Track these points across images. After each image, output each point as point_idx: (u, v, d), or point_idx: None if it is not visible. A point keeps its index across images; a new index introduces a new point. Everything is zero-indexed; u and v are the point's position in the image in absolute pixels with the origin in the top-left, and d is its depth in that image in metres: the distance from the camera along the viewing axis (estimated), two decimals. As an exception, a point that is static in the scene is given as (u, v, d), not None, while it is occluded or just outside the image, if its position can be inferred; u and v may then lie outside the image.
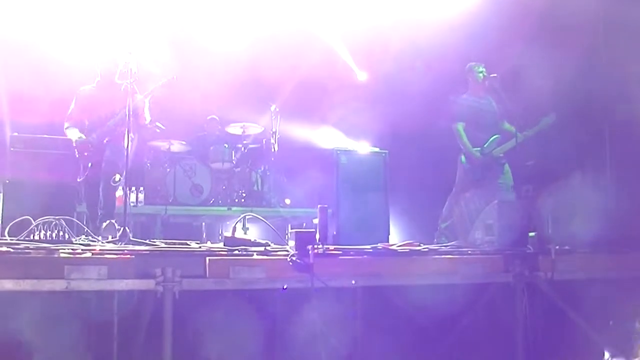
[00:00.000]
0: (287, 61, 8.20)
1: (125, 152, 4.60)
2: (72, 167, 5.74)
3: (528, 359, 4.09)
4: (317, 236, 3.78)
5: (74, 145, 5.66)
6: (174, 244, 4.24)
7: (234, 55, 7.83)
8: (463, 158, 6.25)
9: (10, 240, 3.79)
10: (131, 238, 4.16)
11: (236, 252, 3.83)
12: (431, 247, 4.60)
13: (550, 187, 5.04)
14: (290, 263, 3.58)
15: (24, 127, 6.50)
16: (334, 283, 3.64)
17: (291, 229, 6.15)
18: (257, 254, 3.76)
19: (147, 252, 3.75)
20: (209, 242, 5.27)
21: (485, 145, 6.14)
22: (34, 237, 3.83)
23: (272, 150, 8.03)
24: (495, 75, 6.04)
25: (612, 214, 4.68)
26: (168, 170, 7.83)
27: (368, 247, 4.17)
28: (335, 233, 5.00)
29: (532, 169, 5.63)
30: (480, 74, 6.18)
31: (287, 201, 8.33)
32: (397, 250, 4.20)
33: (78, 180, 5.69)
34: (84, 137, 5.68)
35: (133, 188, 7.17)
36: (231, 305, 3.53)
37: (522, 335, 4.09)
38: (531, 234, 4.51)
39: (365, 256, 3.95)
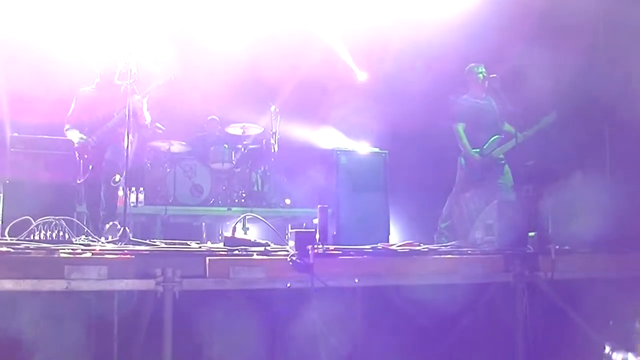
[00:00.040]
0: (287, 61, 8.20)
1: (126, 152, 4.60)
2: (72, 167, 5.74)
3: (528, 359, 4.09)
4: (317, 236, 3.78)
5: (76, 146, 5.66)
6: (174, 244, 4.25)
7: (234, 55, 7.83)
8: (462, 160, 6.24)
9: (11, 240, 3.79)
10: (131, 238, 4.17)
11: (236, 252, 3.83)
12: (431, 247, 4.59)
13: (550, 187, 5.03)
14: (290, 263, 3.58)
15: (24, 127, 6.50)
16: (334, 283, 3.64)
17: (291, 229, 6.14)
18: (257, 254, 3.77)
19: (147, 252, 3.76)
20: (209, 242, 5.27)
21: (485, 146, 6.14)
22: (34, 237, 3.84)
23: (272, 150, 8.04)
24: (494, 75, 6.04)
25: (612, 214, 4.67)
26: (168, 170, 7.83)
27: (368, 247, 4.17)
28: (335, 233, 5.01)
29: (532, 169, 5.62)
30: (480, 75, 6.18)
31: (287, 201, 8.34)
32: (397, 250, 4.20)
33: (78, 182, 5.69)
34: (85, 137, 5.68)
35: (133, 188, 7.18)
36: (231, 305, 3.53)
37: (522, 335, 4.09)
38: (531, 234, 4.51)
39: (365, 256, 3.95)
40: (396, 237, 6.05)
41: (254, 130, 8.32)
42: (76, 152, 5.68)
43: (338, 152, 5.36)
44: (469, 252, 4.37)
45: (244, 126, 8.16)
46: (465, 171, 6.21)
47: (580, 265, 4.34)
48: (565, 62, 6.07)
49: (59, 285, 3.16)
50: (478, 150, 6.15)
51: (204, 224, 8.22)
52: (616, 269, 4.37)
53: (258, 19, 7.91)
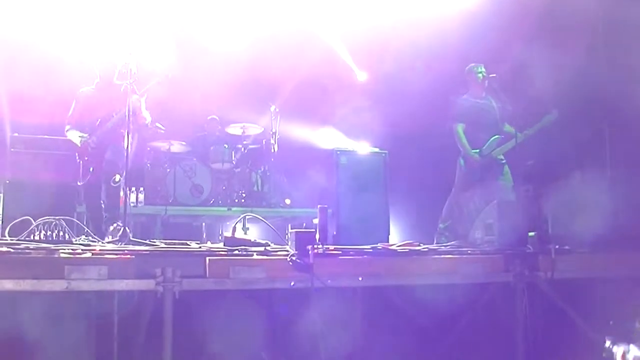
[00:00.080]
0: (287, 61, 8.20)
1: (126, 152, 4.60)
2: (72, 167, 5.75)
3: (528, 359, 4.09)
4: (317, 236, 3.79)
5: (79, 146, 5.65)
6: (174, 244, 4.25)
7: (234, 55, 7.83)
8: (462, 161, 6.24)
9: (11, 240, 3.80)
10: (131, 238, 4.17)
11: (236, 252, 3.83)
12: (431, 247, 4.60)
13: (550, 186, 5.03)
14: (290, 263, 3.58)
15: (24, 127, 6.51)
16: (334, 283, 3.64)
17: (291, 229, 6.14)
18: (257, 254, 3.77)
19: (147, 252, 3.76)
20: (209, 242, 5.28)
21: (484, 147, 6.14)
22: (34, 237, 3.84)
23: (272, 150, 8.05)
24: (494, 75, 6.04)
25: (612, 214, 4.68)
26: (168, 170, 7.83)
27: (368, 247, 4.17)
28: (335, 233, 5.00)
29: (532, 168, 5.62)
30: (480, 75, 6.18)
31: (287, 201, 8.34)
32: (397, 250, 4.20)
33: (79, 184, 5.68)
34: (85, 135, 5.67)
35: (133, 188, 7.18)
36: (231, 305, 3.53)
37: (522, 335, 4.09)
38: (531, 233, 4.52)
39: (365, 256, 3.95)
40: (396, 237, 6.05)
41: (254, 130, 8.32)
42: (77, 154, 5.68)
43: (338, 152, 5.36)
44: (469, 252, 4.37)
45: (244, 126, 8.16)
46: (464, 171, 6.21)
47: (580, 265, 4.34)
48: (565, 62, 6.07)
49: (59, 285, 3.16)
50: (478, 150, 6.15)
51: (204, 224, 8.23)
52: (616, 269, 4.37)
53: (258, 19, 7.91)
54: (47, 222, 3.89)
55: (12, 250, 3.37)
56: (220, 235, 7.57)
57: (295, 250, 3.63)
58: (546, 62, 6.22)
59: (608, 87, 5.97)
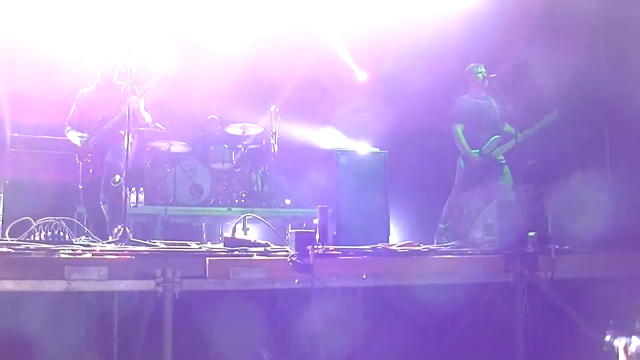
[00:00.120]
0: (287, 61, 8.20)
1: (126, 153, 4.60)
2: (72, 167, 5.74)
3: (528, 359, 4.09)
4: (317, 236, 3.79)
5: (79, 146, 5.65)
6: (174, 244, 4.25)
7: (234, 55, 7.83)
8: (461, 161, 6.24)
9: (11, 240, 3.80)
10: (131, 239, 4.17)
11: (236, 252, 3.83)
12: (431, 247, 4.60)
13: (551, 186, 5.03)
14: (290, 263, 3.58)
15: (24, 127, 6.51)
16: (334, 283, 3.64)
17: (291, 229, 6.15)
18: (257, 255, 3.77)
19: (147, 252, 3.76)
20: (209, 243, 5.28)
21: (484, 147, 6.14)
22: (34, 237, 3.84)
23: (272, 150, 8.04)
24: (494, 75, 6.04)
25: (612, 214, 4.68)
26: (168, 170, 7.83)
27: (368, 247, 4.17)
28: (335, 233, 5.00)
29: (532, 168, 5.62)
30: (480, 75, 6.18)
31: (287, 201, 8.34)
32: (397, 250, 4.21)
33: (80, 187, 5.67)
34: (85, 135, 5.66)
35: (133, 189, 7.18)
36: (231, 305, 3.53)
37: (522, 335, 4.09)
38: (531, 233, 4.51)
39: (365, 256, 3.96)
40: (396, 237, 6.06)
41: (254, 130, 8.32)
42: (76, 155, 5.67)
43: (338, 152, 5.35)
44: (469, 252, 4.37)
45: (244, 126, 8.16)
46: (464, 172, 6.21)
47: (580, 265, 4.35)
48: (565, 62, 6.06)
49: (59, 285, 3.16)
50: (478, 150, 6.15)
51: (204, 224, 8.22)
52: (616, 268, 4.37)
53: (258, 19, 7.91)
54: (47, 222, 3.89)
55: (12, 250, 3.37)
56: (220, 235, 7.57)
57: (296, 251, 3.63)
58: (546, 62, 6.22)
59: (608, 87, 5.97)
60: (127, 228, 4.17)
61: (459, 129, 6.18)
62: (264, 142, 8.27)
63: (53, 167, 6.01)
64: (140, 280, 3.34)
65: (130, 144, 4.59)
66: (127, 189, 4.97)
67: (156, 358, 3.33)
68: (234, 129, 8.23)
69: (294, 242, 3.69)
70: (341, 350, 3.67)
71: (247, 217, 5.47)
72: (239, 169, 8.17)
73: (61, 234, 3.87)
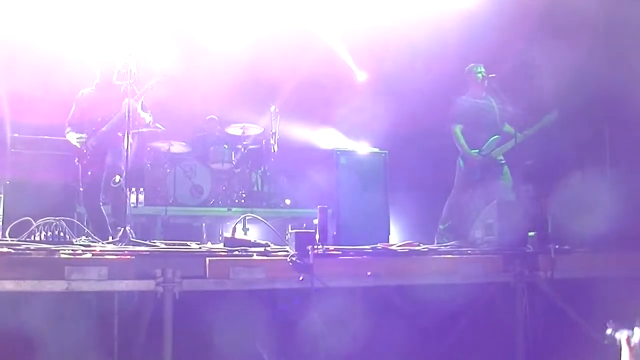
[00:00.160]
0: (287, 61, 8.20)
1: (125, 153, 4.59)
2: (72, 168, 5.73)
3: (528, 359, 4.09)
4: (317, 236, 3.79)
5: (78, 147, 5.64)
6: (174, 244, 4.25)
7: (234, 55, 7.83)
8: (461, 162, 6.24)
9: (11, 241, 3.80)
10: (131, 239, 4.17)
11: (236, 252, 3.83)
12: (431, 247, 4.60)
13: (550, 186, 5.04)
14: (290, 263, 3.58)
15: (25, 127, 6.50)
16: (334, 283, 3.64)
17: (291, 229, 6.15)
18: (257, 255, 3.77)
19: (147, 252, 3.77)
20: (209, 243, 5.28)
21: (484, 147, 6.14)
22: (34, 238, 3.84)
23: (272, 150, 8.04)
24: (494, 75, 6.04)
25: (612, 214, 4.68)
26: (168, 171, 7.83)
27: (368, 247, 4.17)
28: (335, 233, 5.00)
29: (531, 168, 5.63)
30: (480, 75, 6.18)
31: (287, 202, 8.34)
32: (397, 250, 4.21)
33: (80, 190, 5.66)
34: (85, 136, 5.65)
35: (133, 189, 7.18)
36: (231, 305, 3.53)
37: (522, 335, 4.09)
38: (531, 233, 4.52)
39: (365, 256, 3.96)
40: (396, 237, 6.06)
41: (253, 130, 8.32)
42: (76, 157, 5.65)
43: (338, 152, 5.36)
44: (469, 252, 4.38)
45: (243, 126, 8.16)
46: (464, 172, 6.20)
47: (580, 265, 4.35)
48: (565, 62, 6.07)
49: (59, 285, 3.17)
50: (477, 150, 6.15)
51: (204, 224, 8.22)
52: (616, 268, 4.37)
53: (258, 19, 7.91)
54: (48, 222, 3.89)
55: (12, 250, 3.37)
56: (220, 235, 7.57)
57: (296, 251, 3.64)
58: (546, 62, 6.23)
59: (608, 87, 5.97)
60: (129, 228, 4.17)
61: (457, 129, 6.18)
62: (263, 143, 8.27)
63: (53, 167, 6.00)
64: (140, 280, 3.34)
65: (130, 144, 4.58)
66: (127, 190, 4.97)
67: (156, 358, 3.33)
68: (234, 129, 8.23)
69: (294, 242, 3.69)
70: (341, 350, 3.67)
71: (247, 217, 5.48)
72: (239, 169, 8.17)
73: (61, 234, 3.88)
